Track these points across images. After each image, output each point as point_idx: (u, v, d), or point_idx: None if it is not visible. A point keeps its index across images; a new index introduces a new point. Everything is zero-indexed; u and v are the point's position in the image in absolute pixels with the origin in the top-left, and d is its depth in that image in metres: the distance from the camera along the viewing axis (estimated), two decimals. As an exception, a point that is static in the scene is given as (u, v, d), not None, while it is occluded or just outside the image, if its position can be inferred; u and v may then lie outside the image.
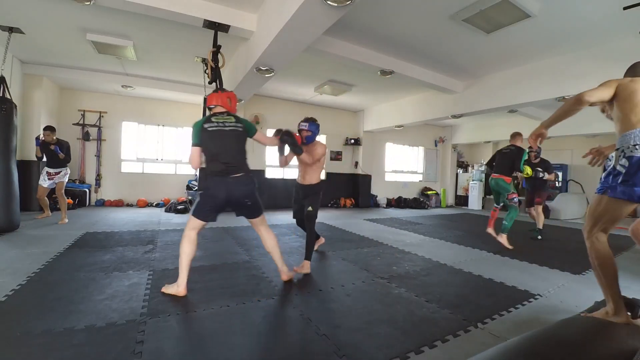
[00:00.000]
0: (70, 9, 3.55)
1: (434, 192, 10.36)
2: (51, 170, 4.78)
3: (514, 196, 4.17)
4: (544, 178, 4.80)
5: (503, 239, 4.15)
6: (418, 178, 10.67)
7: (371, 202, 9.14)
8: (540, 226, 4.95)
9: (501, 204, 4.44)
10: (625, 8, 3.04)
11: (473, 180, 9.98)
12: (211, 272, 2.82)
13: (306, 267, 2.87)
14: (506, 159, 4.26)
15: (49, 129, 4.69)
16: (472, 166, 10.54)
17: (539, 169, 4.81)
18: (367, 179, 9.03)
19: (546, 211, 7.86)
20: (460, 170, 10.88)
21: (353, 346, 1.69)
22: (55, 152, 4.65)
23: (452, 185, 10.81)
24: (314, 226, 3.03)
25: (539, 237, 4.86)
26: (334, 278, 2.80)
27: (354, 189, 9.06)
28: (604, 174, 1.70)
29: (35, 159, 4.89)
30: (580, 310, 2.10)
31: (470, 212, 8.96)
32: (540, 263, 3.48)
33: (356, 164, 9.08)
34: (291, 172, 8.38)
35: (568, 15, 3.41)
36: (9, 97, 4.08)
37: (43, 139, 4.65)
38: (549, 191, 4.87)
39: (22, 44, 4.67)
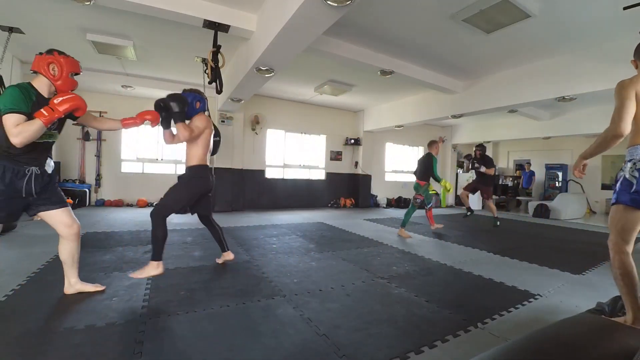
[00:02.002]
0: (70, 9, 3.55)
1: (434, 192, 10.32)
2: None
3: (419, 197, 4.85)
4: (482, 171, 5.61)
5: (402, 231, 4.75)
6: (418, 178, 10.66)
7: (371, 202, 9.14)
8: (496, 215, 5.78)
9: (431, 204, 5.04)
10: (625, 8, 3.03)
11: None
12: (211, 272, 2.82)
13: (150, 268, 2.41)
14: (420, 166, 4.95)
15: None
16: (472, 166, 10.53)
17: (477, 165, 5.61)
18: (367, 179, 9.03)
19: (546, 211, 7.91)
20: (460, 170, 10.87)
21: (353, 346, 1.69)
22: None
23: (452, 185, 10.80)
24: (158, 223, 2.58)
25: (498, 223, 5.72)
26: (334, 278, 2.80)
27: (354, 189, 9.05)
28: (617, 185, 1.73)
29: None
30: (580, 310, 2.10)
31: (470, 212, 8.94)
32: (540, 263, 3.48)
33: (356, 164, 9.08)
34: (292, 172, 8.40)
35: (568, 15, 3.41)
36: None
37: None
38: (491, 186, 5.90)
39: (22, 44, 4.67)
